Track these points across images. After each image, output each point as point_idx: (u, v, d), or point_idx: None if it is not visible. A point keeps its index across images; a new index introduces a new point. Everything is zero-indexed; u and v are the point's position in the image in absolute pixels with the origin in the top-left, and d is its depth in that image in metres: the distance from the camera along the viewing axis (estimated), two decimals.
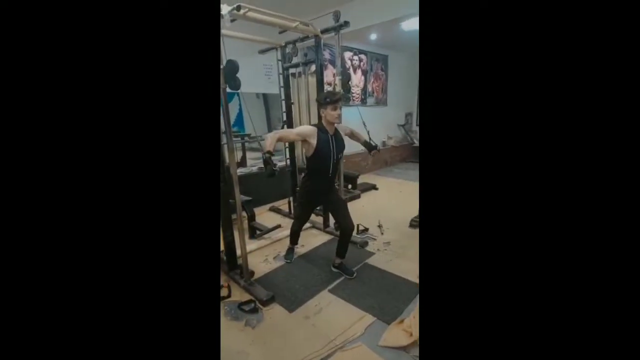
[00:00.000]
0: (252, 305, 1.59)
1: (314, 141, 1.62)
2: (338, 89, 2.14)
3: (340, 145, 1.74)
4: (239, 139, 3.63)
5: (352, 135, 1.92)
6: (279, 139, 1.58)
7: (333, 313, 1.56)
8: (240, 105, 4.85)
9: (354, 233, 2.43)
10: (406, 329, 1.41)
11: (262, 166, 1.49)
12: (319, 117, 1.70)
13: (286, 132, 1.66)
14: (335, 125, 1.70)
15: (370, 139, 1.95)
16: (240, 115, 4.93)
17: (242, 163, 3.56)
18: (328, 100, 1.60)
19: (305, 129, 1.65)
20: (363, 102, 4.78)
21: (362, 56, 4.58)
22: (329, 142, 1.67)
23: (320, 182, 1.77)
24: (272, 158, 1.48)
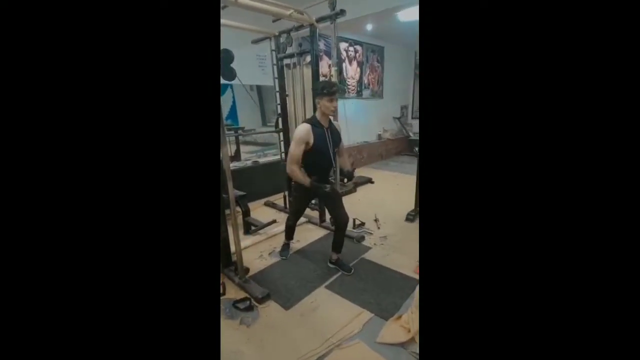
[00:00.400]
0: (247, 302, 1.55)
1: (311, 140, 1.58)
2: (334, 80, 2.08)
3: (337, 138, 1.69)
4: (232, 132, 3.56)
5: (341, 152, 1.83)
6: (297, 161, 1.58)
7: (330, 310, 1.53)
8: (233, 97, 4.75)
9: (351, 228, 2.42)
10: (404, 324, 1.40)
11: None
12: (315, 109, 1.64)
13: (294, 152, 1.57)
14: (330, 118, 1.65)
15: (351, 166, 1.84)
16: (233, 108, 4.82)
17: (236, 157, 3.50)
18: (325, 91, 1.55)
19: (300, 133, 1.57)
20: (359, 94, 4.71)
21: (358, 47, 4.49)
22: (325, 135, 1.62)
23: (318, 176, 1.72)
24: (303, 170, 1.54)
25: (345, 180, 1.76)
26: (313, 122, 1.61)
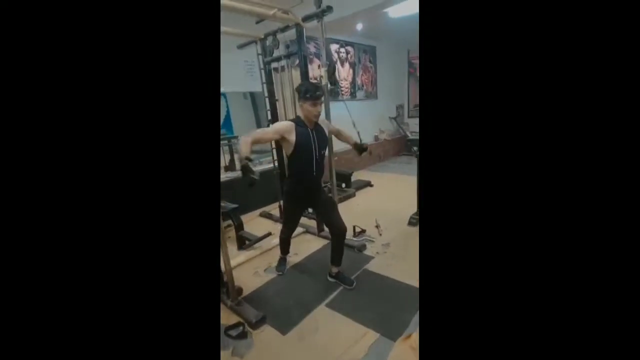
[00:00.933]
0: (240, 328, 1.41)
1: (292, 137, 1.44)
2: (325, 81, 1.96)
3: (323, 140, 1.56)
4: (226, 141, 3.46)
5: (340, 135, 1.76)
6: (256, 141, 1.39)
7: (331, 331, 1.39)
8: (227, 106, 4.65)
9: (351, 236, 2.29)
10: (414, 345, 1.26)
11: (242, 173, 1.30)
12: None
13: (262, 132, 1.47)
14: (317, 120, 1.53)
15: (360, 140, 1.78)
16: (228, 117, 4.73)
17: (231, 167, 3.38)
18: (308, 95, 1.42)
19: (281, 124, 1.47)
20: (352, 96, 4.60)
21: (349, 48, 4.40)
22: (309, 136, 1.49)
23: (304, 183, 1.59)
24: (251, 163, 1.29)
25: (362, 154, 1.71)
26: (297, 121, 1.50)
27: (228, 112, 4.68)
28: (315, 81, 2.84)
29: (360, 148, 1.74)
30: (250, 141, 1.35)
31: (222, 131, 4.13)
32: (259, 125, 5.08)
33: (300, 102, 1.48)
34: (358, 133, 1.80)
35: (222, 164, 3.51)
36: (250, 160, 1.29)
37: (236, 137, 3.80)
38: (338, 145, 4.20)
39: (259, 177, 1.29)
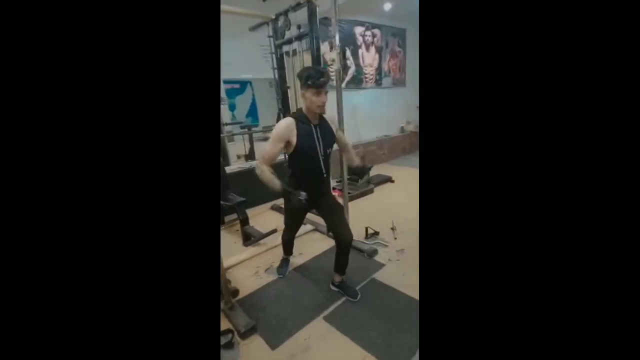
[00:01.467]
0: (229, 336, 1.31)
1: (293, 138, 1.27)
2: (337, 66, 1.75)
3: (329, 138, 1.36)
4: (246, 129, 3.40)
5: (344, 149, 1.55)
6: (269, 161, 1.28)
7: (325, 352, 1.24)
8: (253, 95, 4.59)
9: (363, 238, 2.10)
10: None
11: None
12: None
13: (269, 147, 1.28)
14: (323, 113, 1.33)
15: (364, 163, 1.55)
16: (253, 106, 4.67)
17: (251, 156, 3.32)
18: (310, 82, 1.21)
19: (279, 130, 1.27)
20: (377, 83, 4.29)
21: (376, 31, 4.06)
22: (313, 134, 1.30)
23: (307, 185, 1.41)
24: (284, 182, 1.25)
25: (359, 179, 1.48)
26: (298, 116, 1.30)
27: (254, 100, 4.61)
28: (329, 66, 2.60)
29: (360, 172, 1.53)
30: (266, 165, 1.27)
31: (248, 119, 4.08)
32: (285, 116, 4.96)
33: (302, 91, 1.27)
34: (363, 159, 1.56)
35: (243, 152, 3.46)
36: (286, 184, 1.28)
37: (250, 126, 3.71)
38: (358, 138, 3.97)
39: (306, 197, 1.24)
